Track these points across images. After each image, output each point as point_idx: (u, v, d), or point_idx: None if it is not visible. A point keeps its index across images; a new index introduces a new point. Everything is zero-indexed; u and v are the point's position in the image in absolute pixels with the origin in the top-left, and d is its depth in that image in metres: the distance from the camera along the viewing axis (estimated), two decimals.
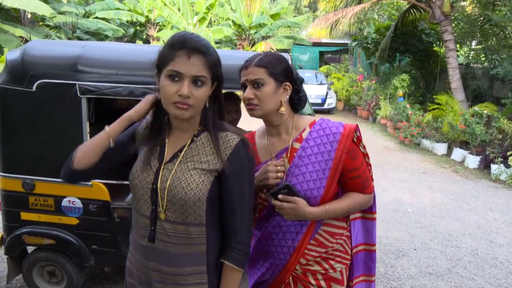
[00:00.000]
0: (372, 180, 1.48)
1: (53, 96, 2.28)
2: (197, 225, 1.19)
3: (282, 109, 1.39)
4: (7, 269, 2.62)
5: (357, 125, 1.41)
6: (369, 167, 1.46)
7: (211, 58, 1.14)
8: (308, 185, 1.36)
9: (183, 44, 1.10)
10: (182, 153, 1.21)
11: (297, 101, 1.44)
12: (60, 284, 2.68)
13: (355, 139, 1.38)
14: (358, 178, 1.39)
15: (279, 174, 1.38)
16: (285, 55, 2.58)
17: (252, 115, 1.40)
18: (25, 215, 2.46)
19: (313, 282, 1.44)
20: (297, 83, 1.43)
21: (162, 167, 1.21)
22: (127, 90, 2.25)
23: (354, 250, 1.53)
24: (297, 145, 1.41)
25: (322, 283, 1.43)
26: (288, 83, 1.39)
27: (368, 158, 1.45)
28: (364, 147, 1.43)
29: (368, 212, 1.54)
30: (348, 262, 1.51)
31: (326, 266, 1.44)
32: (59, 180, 2.35)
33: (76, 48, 2.33)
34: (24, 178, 2.39)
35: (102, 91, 2.26)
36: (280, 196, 1.34)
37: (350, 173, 1.38)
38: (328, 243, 1.43)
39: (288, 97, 1.41)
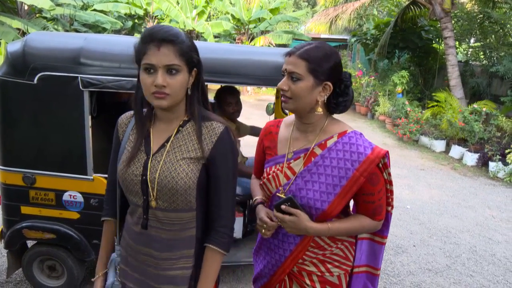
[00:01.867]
0: (392, 207, 1.40)
1: (54, 89, 2.24)
2: (187, 211, 1.24)
3: (319, 109, 1.30)
4: (7, 263, 2.60)
5: (387, 151, 1.30)
6: (390, 194, 1.37)
7: (182, 45, 1.16)
8: (314, 195, 1.29)
9: (152, 37, 1.14)
10: (169, 143, 1.24)
11: (334, 105, 1.33)
12: (60, 279, 2.67)
13: (380, 165, 1.29)
14: (371, 203, 1.31)
15: (263, 231, 1.37)
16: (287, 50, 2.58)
17: (284, 107, 1.33)
18: (25, 209, 2.43)
19: (308, 282, 1.40)
20: (341, 87, 1.31)
21: (150, 158, 1.24)
22: (130, 83, 2.22)
23: (355, 270, 1.47)
24: (318, 151, 1.32)
25: (317, 285, 1.39)
26: (329, 83, 1.28)
27: (391, 185, 1.36)
28: (389, 174, 1.33)
29: (378, 235, 1.46)
30: (349, 269, 1.44)
31: (323, 269, 1.39)
32: (60, 174, 2.36)
33: (79, 40, 2.30)
34: (24, 171, 2.36)
35: (105, 84, 2.23)
36: (283, 207, 1.29)
37: (365, 197, 1.31)
38: (327, 246, 1.39)
39: (326, 97, 1.30)
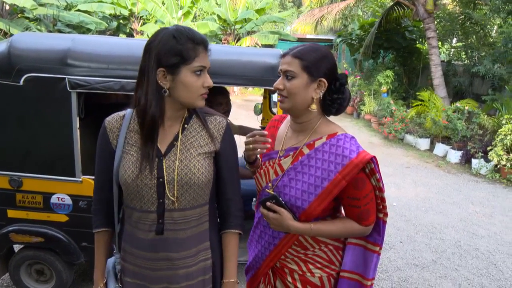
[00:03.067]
0: (384, 214, 1.37)
1: (41, 91, 2.22)
2: (203, 205, 1.27)
3: (313, 106, 1.30)
4: None
5: (373, 157, 1.27)
6: (380, 201, 1.35)
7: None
8: (296, 193, 1.31)
9: (202, 39, 1.18)
10: (178, 142, 1.23)
11: (329, 102, 1.32)
12: (49, 283, 2.64)
13: (367, 170, 1.27)
14: (356, 207, 1.30)
15: (257, 149, 1.34)
16: (276, 50, 2.60)
17: (281, 107, 1.33)
18: (12, 213, 2.40)
19: (289, 280, 1.41)
20: (335, 84, 1.31)
21: (164, 159, 1.21)
22: (118, 84, 2.22)
23: (342, 274, 1.42)
24: (306, 150, 1.33)
25: (298, 284, 1.40)
26: (323, 80, 1.28)
27: (381, 191, 1.33)
28: (378, 180, 1.30)
29: (370, 242, 1.40)
30: (334, 273, 1.41)
31: (304, 268, 1.39)
32: (48, 176, 2.34)
33: (66, 41, 2.27)
34: (11, 174, 2.33)
35: (93, 85, 2.22)
36: (268, 204, 1.31)
37: (350, 200, 1.30)
38: (310, 246, 1.38)
39: (321, 94, 1.30)
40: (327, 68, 1.29)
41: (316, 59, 1.28)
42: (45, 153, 2.33)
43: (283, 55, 1.32)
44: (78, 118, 2.30)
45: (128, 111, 1.28)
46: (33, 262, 2.59)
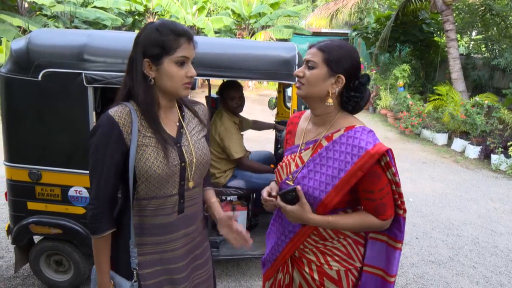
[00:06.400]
0: (404, 210, 1.36)
1: (59, 86, 2.26)
2: (202, 180, 1.45)
3: (329, 100, 1.34)
4: (15, 259, 2.63)
5: (389, 149, 1.28)
6: (397, 196, 1.34)
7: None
8: (314, 184, 1.34)
9: (184, 31, 1.24)
10: (185, 129, 1.36)
11: (346, 99, 1.35)
12: (67, 273, 2.71)
13: (382, 163, 1.28)
14: (372, 201, 1.31)
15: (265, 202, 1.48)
16: (291, 44, 2.58)
17: (297, 93, 1.40)
18: (31, 205, 2.46)
19: (307, 270, 1.43)
20: (354, 82, 1.34)
21: (181, 146, 1.33)
22: None
23: (365, 268, 1.43)
24: (324, 142, 1.37)
25: (315, 275, 1.41)
26: (342, 76, 1.32)
27: (398, 186, 1.33)
28: (394, 174, 1.30)
29: (391, 238, 1.41)
30: (352, 268, 1.42)
31: (322, 260, 1.41)
32: (66, 169, 2.39)
33: (82, 37, 2.31)
34: (30, 168, 2.39)
35: (109, 80, 2.25)
36: (289, 196, 1.33)
37: (365, 193, 1.32)
38: (328, 237, 1.40)
39: (337, 90, 1.34)
40: (348, 65, 1.32)
41: (339, 55, 1.31)
42: (62, 147, 2.38)
43: (310, 47, 1.38)
44: (94, 112, 2.34)
45: (129, 105, 1.27)
46: (52, 253, 2.66)
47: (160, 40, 1.21)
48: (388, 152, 1.27)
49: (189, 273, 1.41)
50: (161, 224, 1.32)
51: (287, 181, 1.43)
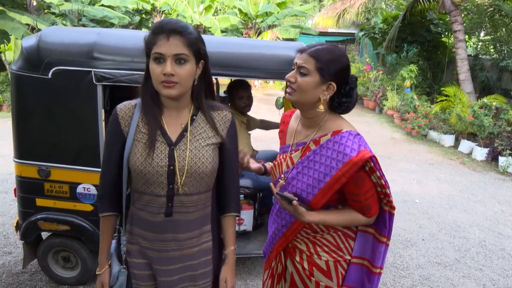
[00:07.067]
0: (392, 207, 1.41)
1: (68, 83, 2.28)
2: (207, 191, 1.36)
3: (321, 107, 1.36)
4: (23, 254, 2.66)
5: (373, 156, 1.30)
6: (383, 197, 1.38)
7: (190, 36, 1.21)
8: (302, 186, 1.39)
9: (162, 28, 1.20)
10: (188, 133, 1.30)
11: (337, 104, 1.39)
12: (74, 270, 2.73)
13: (367, 168, 1.31)
14: (358, 202, 1.37)
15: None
16: (299, 44, 2.58)
17: (288, 98, 1.40)
18: (40, 201, 2.48)
19: (297, 259, 1.48)
20: (346, 88, 1.37)
21: (174, 148, 1.28)
22: (143, 77, 2.25)
23: (353, 260, 1.48)
24: (312, 146, 1.41)
25: (305, 264, 1.46)
26: (333, 84, 1.34)
27: (384, 188, 1.36)
28: (379, 177, 1.33)
29: (377, 232, 1.47)
30: (341, 260, 1.46)
31: (312, 250, 1.46)
32: (74, 166, 2.40)
33: (92, 35, 2.32)
34: (39, 164, 2.41)
35: (118, 78, 2.26)
36: (290, 204, 1.36)
37: (351, 195, 1.37)
38: (319, 230, 1.45)
39: (329, 96, 1.36)
40: (339, 71, 1.34)
41: (330, 62, 1.33)
42: (71, 144, 2.40)
43: (301, 51, 1.37)
44: (103, 110, 2.36)
45: (138, 101, 1.34)
46: (60, 249, 2.68)
47: (146, 40, 1.23)
48: (372, 158, 1.30)
49: (178, 280, 1.36)
50: (148, 220, 1.32)
51: (280, 180, 1.49)
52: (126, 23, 12.87)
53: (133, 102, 1.34)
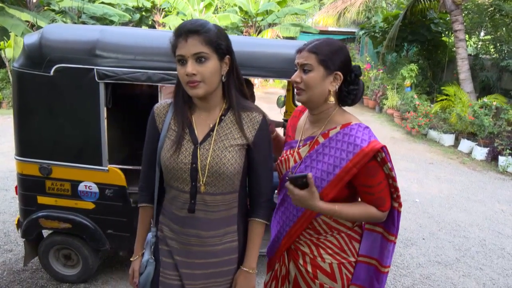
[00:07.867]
0: (399, 204, 1.39)
1: (70, 81, 2.27)
2: (232, 193, 1.36)
3: (331, 99, 1.35)
4: (24, 252, 2.66)
5: (384, 146, 1.30)
6: (394, 190, 1.37)
7: (208, 34, 1.22)
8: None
9: (180, 31, 1.23)
10: (214, 132, 1.32)
11: (346, 93, 1.38)
12: (75, 267, 2.73)
13: (378, 159, 1.30)
14: (371, 195, 1.34)
15: None
16: (301, 42, 2.57)
17: (297, 99, 1.39)
18: (41, 199, 2.48)
19: (301, 262, 1.46)
20: (351, 75, 1.37)
21: (198, 147, 1.31)
22: (145, 75, 2.25)
23: (360, 259, 1.46)
24: (321, 139, 1.39)
25: (309, 267, 1.43)
26: (339, 73, 1.34)
27: (394, 181, 1.35)
28: (390, 169, 1.32)
29: (386, 230, 1.45)
30: (345, 262, 1.44)
31: (315, 252, 1.43)
32: (76, 164, 2.40)
33: (94, 32, 2.32)
34: (41, 162, 2.41)
35: (120, 76, 2.26)
36: (301, 181, 1.28)
37: (364, 188, 1.34)
38: (322, 231, 1.42)
39: (337, 87, 1.36)
40: (341, 61, 1.34)
41: (331, 53, 1.32)
42: (73, 142, 2.40)
43: (299, 51, 1.36)
44: (105, 108, 2.35)
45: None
46: (61, 247, 2.68)
47: (171, 43, 1.27)
48: (383, 148, 1.29)
49: (201, 276, 1.38)
50: (174, 213, 1.37)
51: (287, 176, 1.43)
52: (126, 21, 12.84)
53: (169, 101, 1.40)
